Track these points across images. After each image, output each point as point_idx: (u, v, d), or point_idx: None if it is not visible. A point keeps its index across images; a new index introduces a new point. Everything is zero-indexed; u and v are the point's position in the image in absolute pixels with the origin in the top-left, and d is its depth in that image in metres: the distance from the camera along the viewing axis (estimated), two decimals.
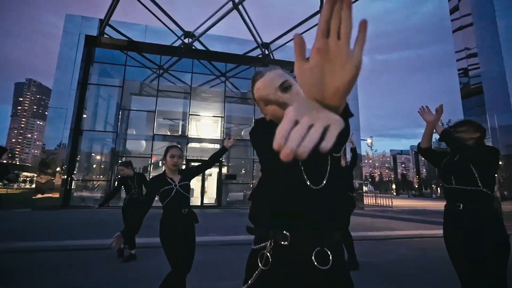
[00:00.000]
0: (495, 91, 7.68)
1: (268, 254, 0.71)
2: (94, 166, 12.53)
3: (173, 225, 2.07)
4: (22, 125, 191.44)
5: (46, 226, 6.09)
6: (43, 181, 9.77)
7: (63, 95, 10.33)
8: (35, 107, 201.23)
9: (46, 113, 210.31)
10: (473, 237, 1.48)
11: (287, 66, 14.24)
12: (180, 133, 14.03)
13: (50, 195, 9.75)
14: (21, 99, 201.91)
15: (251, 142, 0.86)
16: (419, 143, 1.89)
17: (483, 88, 7.62)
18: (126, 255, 3.58)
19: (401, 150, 62.58)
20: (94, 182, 11.96)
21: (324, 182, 0.72)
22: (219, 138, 13.69)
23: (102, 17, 11.18)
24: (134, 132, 12.93)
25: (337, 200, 0.75)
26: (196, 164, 2.44)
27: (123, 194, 4.08)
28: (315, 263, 0.67)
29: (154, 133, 12.15)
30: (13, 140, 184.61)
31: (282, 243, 0.70)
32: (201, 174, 2.33)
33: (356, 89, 14.33)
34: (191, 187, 2.29)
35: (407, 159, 61.51)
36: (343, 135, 0.60)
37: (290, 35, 12.55)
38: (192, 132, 13.15)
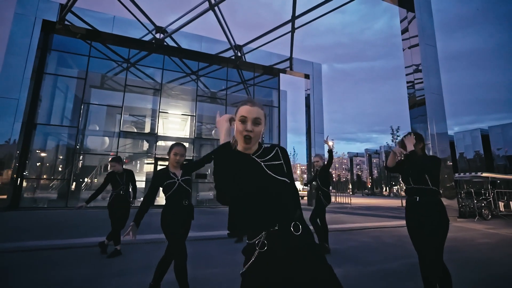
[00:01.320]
0: (434, 103, 9.08)
1: (265, 241, 0.99)
2: (49, 163, 11.41)
3: (175, 215, 2.27)
4: None
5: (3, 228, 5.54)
6: None
7: (14, 85, 9.27)
8: None
9: None
10: (426, 220, 2.07)
11: (258, 68, 14.73)
12: (148, 130, 13.53)
13: None
14: None
15: (217, 164, 1.09)
16: (386, 164, 2.50)
17: (425, 100, 8.96)
18: (111, 251, 3.56)
19: (357, 153, 67.90)
20: (49, 182, 10.92)
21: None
22: (188, 137, 13.54)
23: (63, 2, 10.32)
24: (97, 128, 12.11)
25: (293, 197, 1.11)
26: (196, 159, 2.64)
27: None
28: (293, 231, 1.00)
29: (120, 129, 11.55)
30: None
31: (273, 229, 0.99)
32: None
33: (321, 93, 15.39)
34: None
35: (362, 161, 66.83)
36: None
37: (262, 40, 13.04)
38: (161, 129, 12.79)
